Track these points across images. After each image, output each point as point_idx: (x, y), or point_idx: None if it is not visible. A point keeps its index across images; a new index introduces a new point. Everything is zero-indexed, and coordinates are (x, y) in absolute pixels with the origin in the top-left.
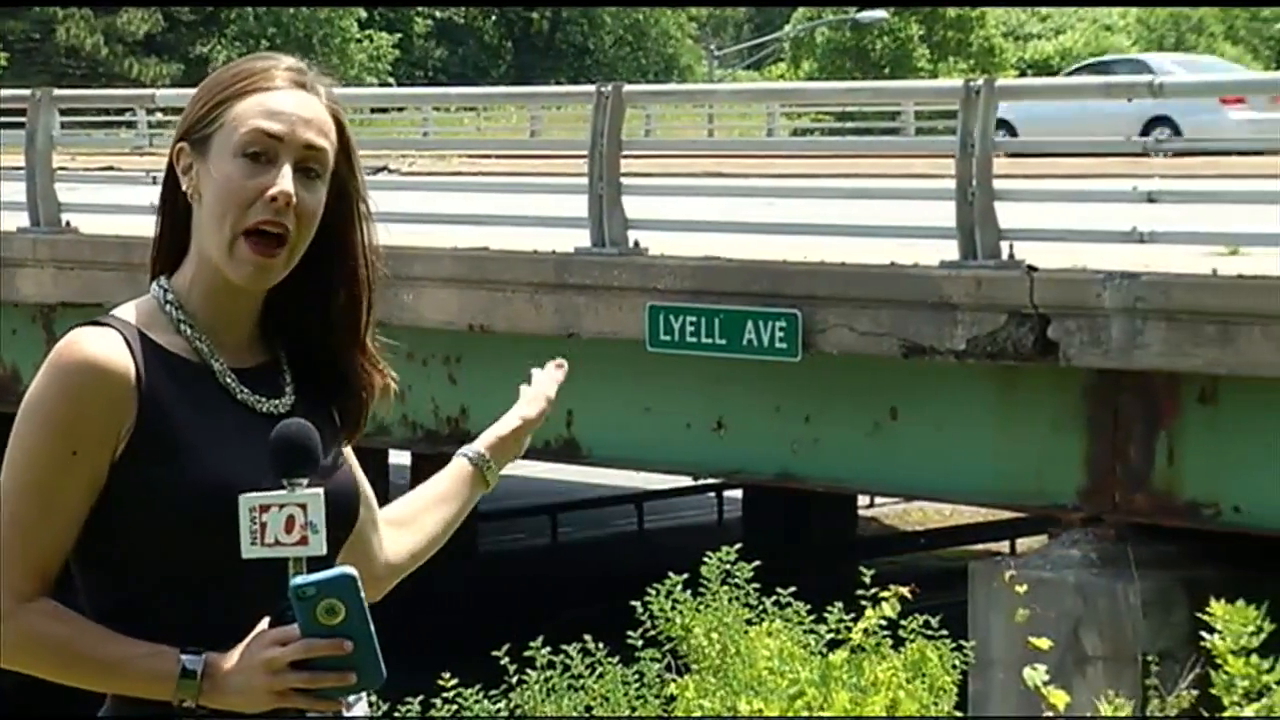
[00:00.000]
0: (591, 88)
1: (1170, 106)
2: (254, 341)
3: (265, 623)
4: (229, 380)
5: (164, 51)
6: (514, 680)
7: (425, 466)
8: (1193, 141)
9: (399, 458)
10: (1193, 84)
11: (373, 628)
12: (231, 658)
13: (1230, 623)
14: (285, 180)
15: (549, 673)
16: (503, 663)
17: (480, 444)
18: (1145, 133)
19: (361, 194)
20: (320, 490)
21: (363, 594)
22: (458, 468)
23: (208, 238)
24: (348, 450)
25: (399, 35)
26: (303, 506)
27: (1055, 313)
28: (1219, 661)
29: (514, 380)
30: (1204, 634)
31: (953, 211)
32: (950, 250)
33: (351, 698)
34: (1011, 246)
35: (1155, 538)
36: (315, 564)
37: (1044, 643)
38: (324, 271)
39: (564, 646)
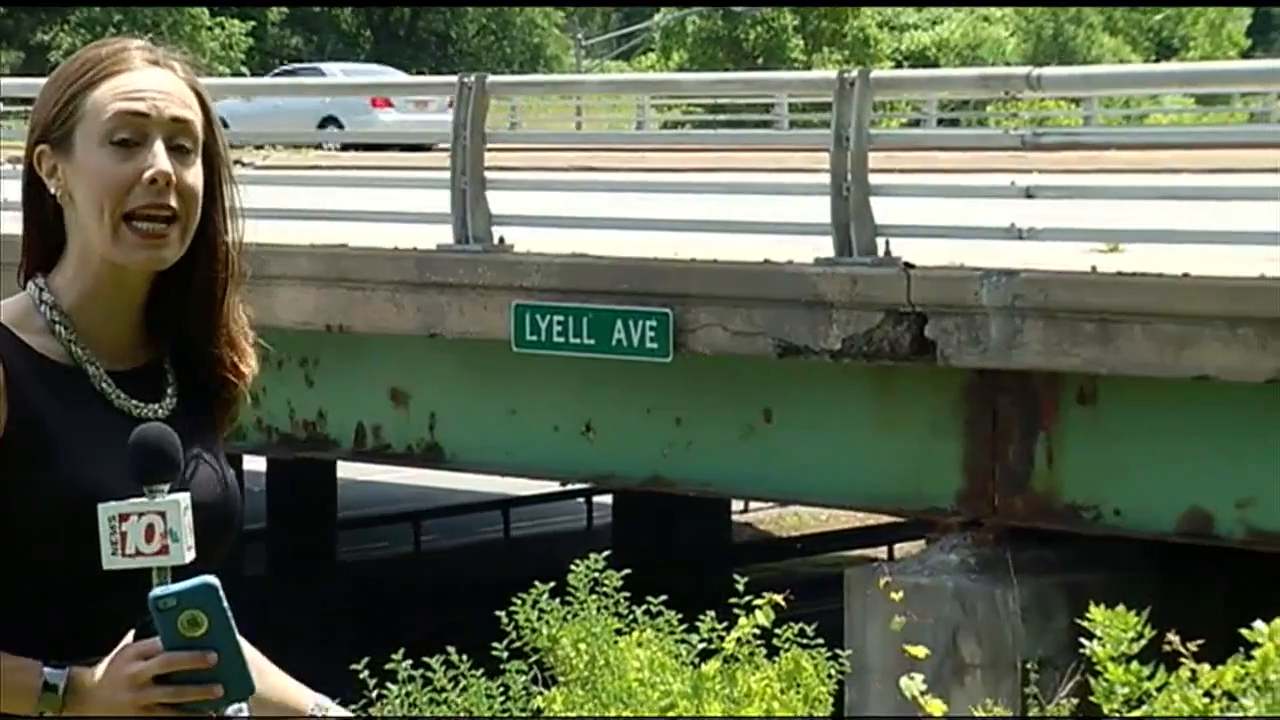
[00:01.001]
0: (454, 78)
1: (336, 106)
2: (136, 342)
3: (130, 636)
4: (104, 385)
5: (3, 39)
6: (373, 694)
7: (281, 473)
8: (1072, 135)
9: (253, 464)
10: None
11: (239, 638)
12: (96, 672)
13: (1110, 629)
14: (160, 159)
15: (410, 686)
16: (362, 676)
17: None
18: (322, 127)
19: (228, 164)
20: (180, 497)
21: (225, 604)
22: (297, 699)
23: (90, 234)
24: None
25: (252, 23)
26: (162, 514)
27: (932, 311)
28: (1099, 669)
29: (374, 383)
30: (1084, 640)
31: (828, 207)
32: (825, 247)
33: (230, 709)
34: (888, 243)
35: (1035, 542)
36: (182, 573)
37: (921, 651)
38: (202, 256)
39: (426, 659)
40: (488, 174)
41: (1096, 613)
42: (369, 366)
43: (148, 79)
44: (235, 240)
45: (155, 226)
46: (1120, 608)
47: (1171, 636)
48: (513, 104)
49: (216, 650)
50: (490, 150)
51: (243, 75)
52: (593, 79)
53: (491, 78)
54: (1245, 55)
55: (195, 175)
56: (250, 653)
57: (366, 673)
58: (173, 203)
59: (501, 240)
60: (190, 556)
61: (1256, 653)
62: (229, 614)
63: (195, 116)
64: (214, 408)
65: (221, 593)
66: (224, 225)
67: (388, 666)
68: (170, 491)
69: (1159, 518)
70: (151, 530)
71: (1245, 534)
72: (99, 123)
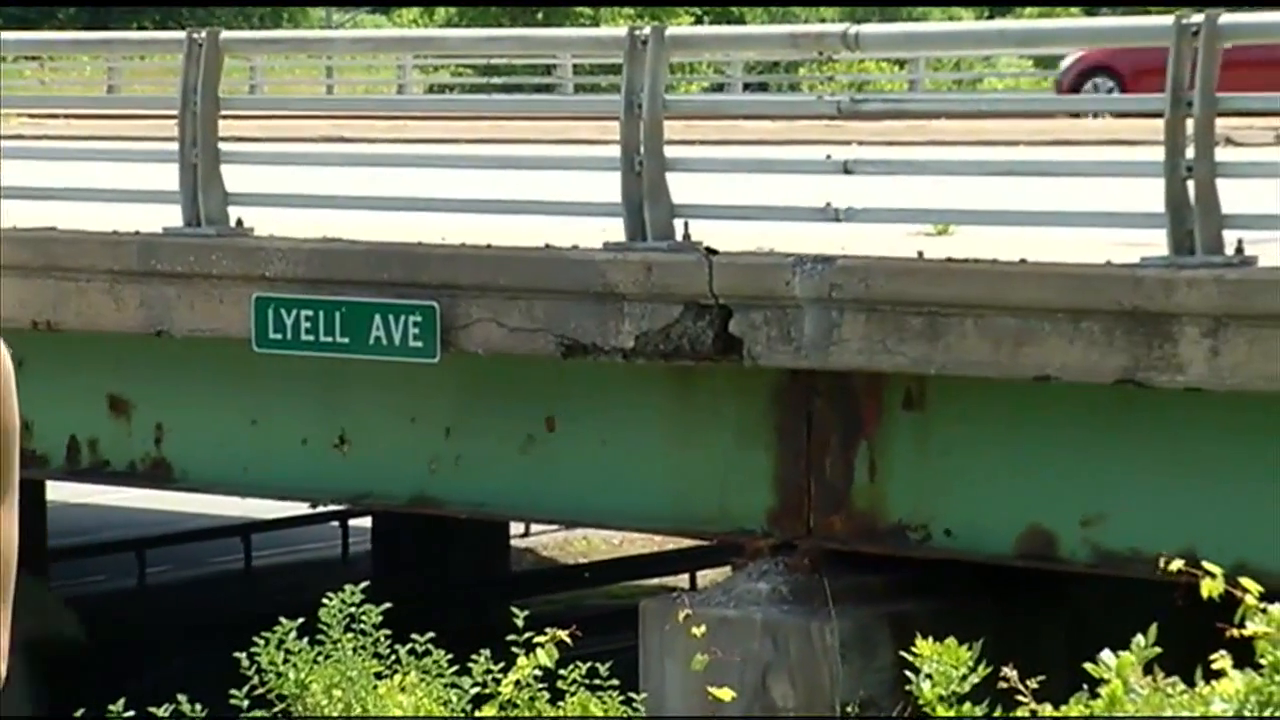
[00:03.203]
0: (181, 34)
1: None
2: None
3: None
4: None
5: None
6: None
7: None
8: (895, 101)
9: None
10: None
11: None
12: None
13: (940, 664)
14: None
15: None
16: None
17: None
18: None
19: None
20: None
21: None
22: None
23: None
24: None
25: None
26: None
27: (738, 303)
28: (927, 710)
29: (90, 389)
30: (910, 677)
31: (618, 184)
32: (616, 230)
33: None
34: (687, 225)
35: (855, 567)
36: None
37: (726, 693)
38: None
39: (152, 709)
40: (223, 146)
41: (924, 646)
42: (83, 370)
43: None
44: None
45: None
46: (951, 640)
47: (1008, 672)
48: (252, 64)
49: None
50: (225, 118)
51: None
52: (345, 35)
53: (225, 34)
54: (1089, 12)
55: None
56: None
57: None
58: None
59: (239, 223)
60: None
61: (1103, 690)
62: None
63: None
64: None
65: None
66: None
67: (108, 718)
68: None
69: (995, 538)
70: None
71: (1091, 556)
72: None
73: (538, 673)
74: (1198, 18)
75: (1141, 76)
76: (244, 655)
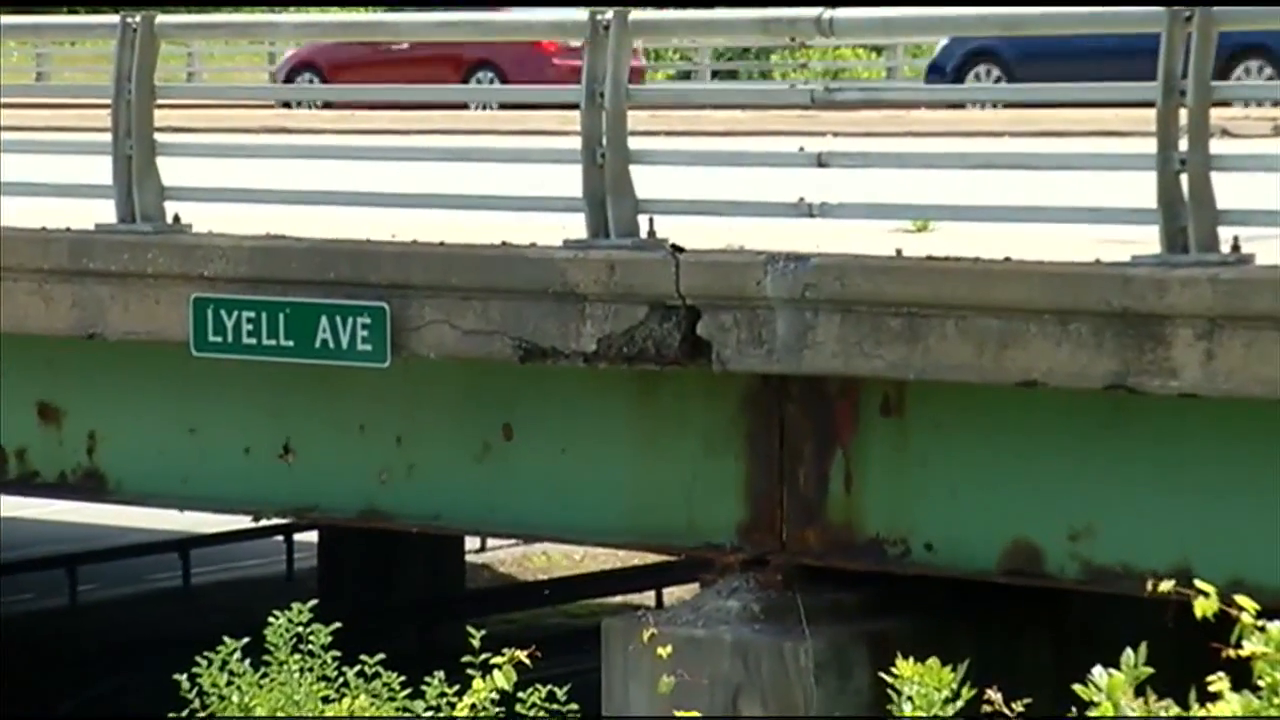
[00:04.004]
0: (115, 18)
1: None
2: None
3: None
4: None
5: None
6: None
7: None
8: (872, 90)
9: None
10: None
11: None
12: None
13: (921, 686)
14: None
15: None
16: None
17: None
18: None
19: None
20: None
21: None
22: None
23: None
24: None
25: None
26: None
27: (706, 304)
28: None
29: (17, 395)
30: (891, 698)
31: (579, 178)
32: (577, 227)
33: None
34: (652, 222)
35: (831, 583)
36: None
37: (694, 717)
38: None
39: None
40: (159, 137)
41: (904, 667)
42: (11, 375)
43: None
44: None
45: None
46: (933, 660)
47: (993, 694)
48: (190, 49)
49: None
50: (162, 107)
51: None
52: (289, 20)
53: (162, 16)
54: None
55: None
56: None
57: None
58: None
59: (177, 219)
60: None
61: (1092, 712)
62: None
63: None
64: None
65: None
66: None
67: None
68: None
69: (978, 553)
70: None
71: (1080, 572)
72: None
73: (494, 696)
74: None
75: (340, 70)
76: (184, 677)
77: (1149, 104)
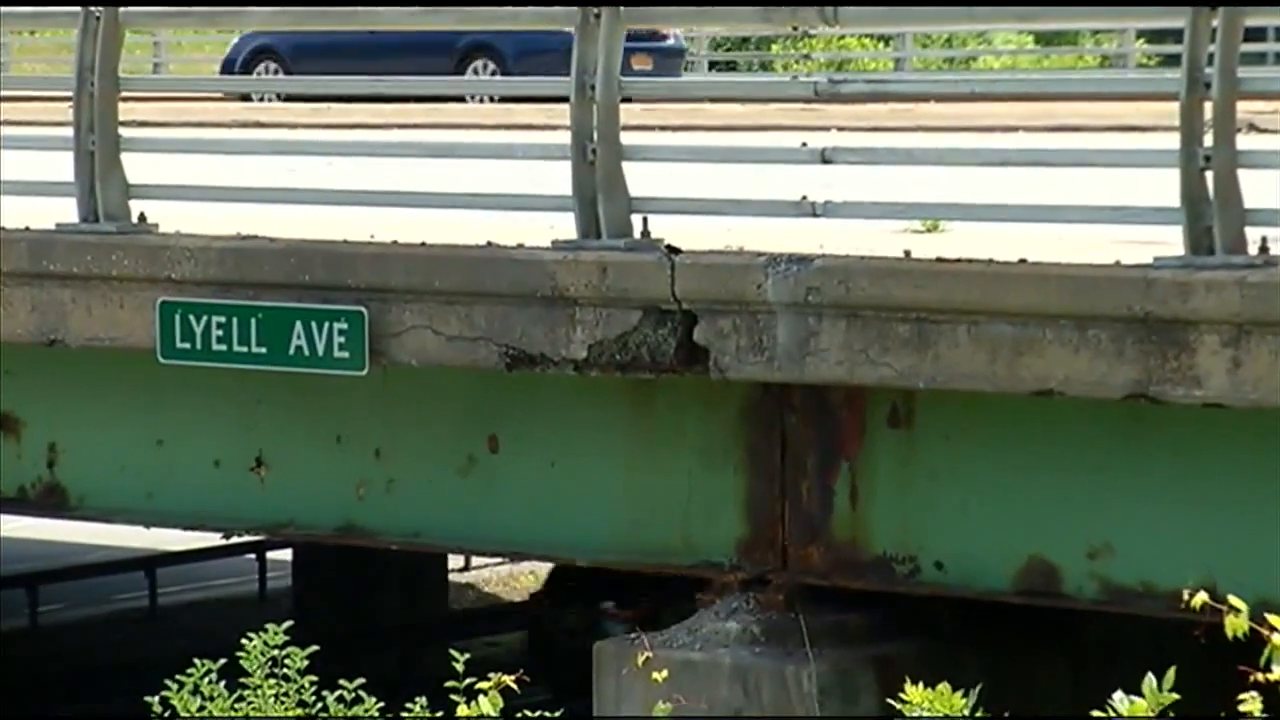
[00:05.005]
0: (77, 6)
1: None
2: None
3: None
4: None
5: None
6: None
7: None
8: (879, 83)
9: None
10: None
11: None
12: None
13: (931, 712)
14: None
15: None
16: None
17: None
18: None
19: None
20: None
21: None
22: None
23: None
24: None
25: None
26: None
27: (704, 309)
28: None
29: None
30: None
31: (568, 175)
32: (566, 227)
33: None
34: (646, 221)
35: (835, 604)
36: None
37: None
38: None
39: None
40: (123, 131)
41: (914, 692)
42: None
43: None
44: None
45: None
46: (944, 685)
47: None
48: (156, 39)
49: None
50: (126, 100)
51: None
52: (259, 10)
53: (126, 6)
54: None
55: None
56: None
57: None
58: None
59: (142, 218)
60: None
61: None
62: None
63: None
64: None
65: None
66: None
67: None
68: None
69: (991, 572)
70: None
71: (1098, 592)
72: None
73: None
74: None
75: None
76: (154, 700)
77: (1172, 96)
